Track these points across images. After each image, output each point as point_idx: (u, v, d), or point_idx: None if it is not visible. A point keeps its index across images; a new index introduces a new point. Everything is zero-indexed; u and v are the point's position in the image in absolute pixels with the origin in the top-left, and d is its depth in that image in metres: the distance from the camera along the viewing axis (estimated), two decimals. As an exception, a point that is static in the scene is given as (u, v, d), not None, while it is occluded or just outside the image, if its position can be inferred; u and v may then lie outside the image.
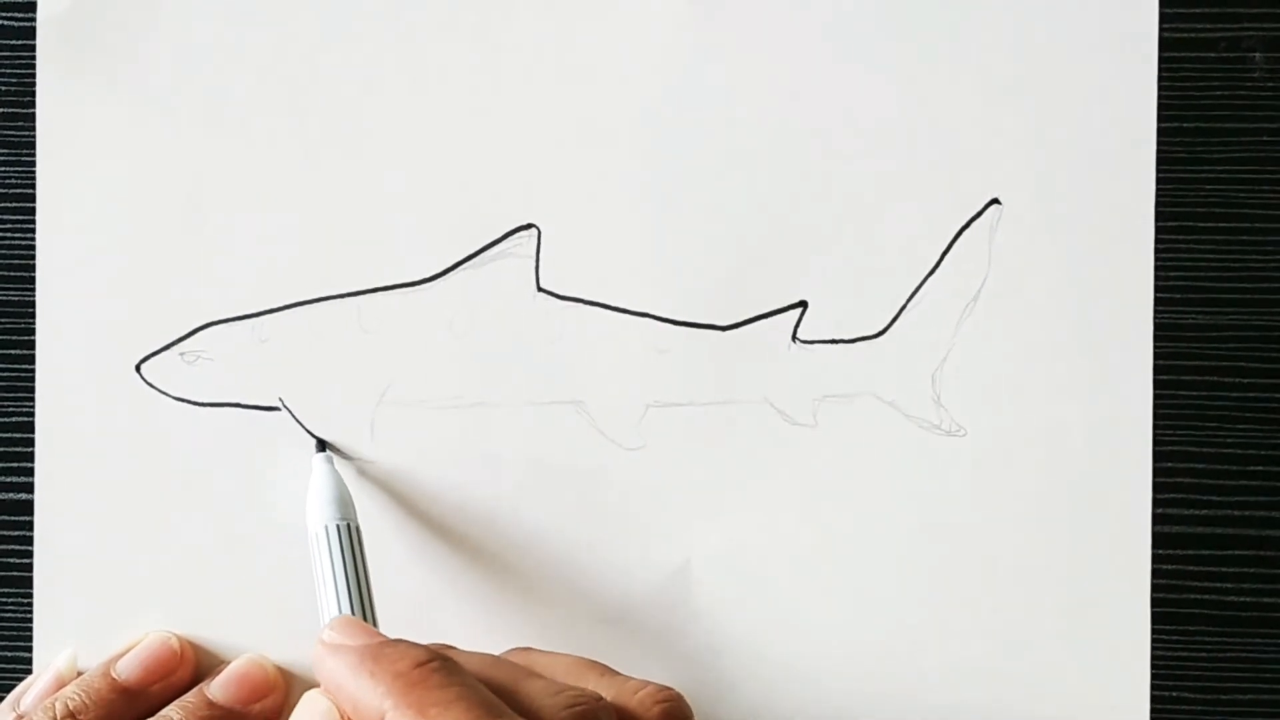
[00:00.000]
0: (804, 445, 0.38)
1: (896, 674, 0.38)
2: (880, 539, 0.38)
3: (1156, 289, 0.38)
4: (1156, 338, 0.38)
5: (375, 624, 0.35)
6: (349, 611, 0.35)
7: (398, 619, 0.36)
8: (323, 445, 0.38)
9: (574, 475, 0.38)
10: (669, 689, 0.33)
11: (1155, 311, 0.38)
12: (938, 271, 0.38)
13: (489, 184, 0.39)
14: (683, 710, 0.33)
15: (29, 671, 0.39)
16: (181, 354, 0.39)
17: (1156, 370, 0.38)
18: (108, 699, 0.37)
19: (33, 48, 0.39)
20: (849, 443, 0.38)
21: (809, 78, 0.38)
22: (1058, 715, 0.38)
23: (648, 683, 0.33)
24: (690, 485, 0.38)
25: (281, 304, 0.39)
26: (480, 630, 0.38)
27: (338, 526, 0.36)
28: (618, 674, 0.34)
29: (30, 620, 0.39)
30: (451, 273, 0.39)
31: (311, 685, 0.38)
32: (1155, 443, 0.38)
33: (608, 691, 0.32)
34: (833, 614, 0.38)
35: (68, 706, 0.36)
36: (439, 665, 0.30)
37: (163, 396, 0.39)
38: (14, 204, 0.40)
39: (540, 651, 0.36)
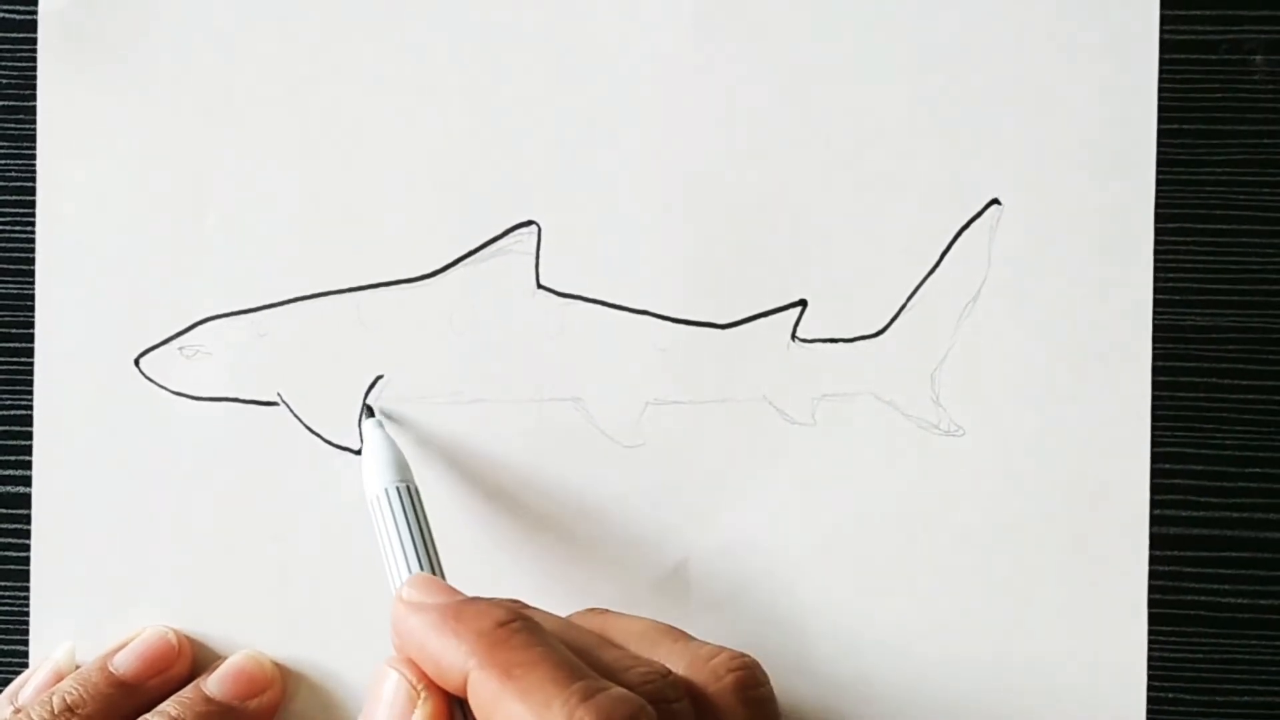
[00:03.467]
0: (803, 444, 0.38)
1: (893, 673, 0.38)
2: (878, 538, 0.38)
3: (1156, 290, 0.38)
4: (1156, 339, 0.38)
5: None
6: (421, 571, 0.34)
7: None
8: (370, 411, 0.38)
9: (573, 472, 0.38)
10: (744, 655, 0.32)
11: (1155, 313, 0.38)
12: (937, 271, 0.38)
13: (489, 180, 0.39)
14: (756, 678, 0.32)
15: (26, 665, 0.39)
16: (180, 348, 0.39)
17: (1155, 371, 0.38)
18: (105, 693, 0.37)
19: (34, 41, 0.39)
20: (848, 442, 0.38)
21: (809, 77, 0.38)
22: (1054, 715, 0.38)
23: (721, 649, 0.32)
24: (689, 483, 0.38)
25: (281, 299, 0.39)
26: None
27: (398, 489, 0.35)
28: (692, 639, 0.33)
29: (27, 613, 0.39)
30: (451, 269, 0.39)
31: (314, 680, 0.39)
32: (1153, 444, 0.38)
33: (680, 659, 0.32)
34: (830, 612, 0.38)
35: (65, 700, 0.36)
36: (521, 625, 0.30)
37: (161, 391, 0.39)
38: (14, 197, 0.40)
39: (615, 614, 0.36)
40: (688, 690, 0.31)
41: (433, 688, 0.30)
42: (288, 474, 0.39)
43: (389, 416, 0.38)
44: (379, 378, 0.39)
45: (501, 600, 0.32)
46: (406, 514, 0.35)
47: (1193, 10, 0.39)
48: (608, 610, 0.36)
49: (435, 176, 0.39)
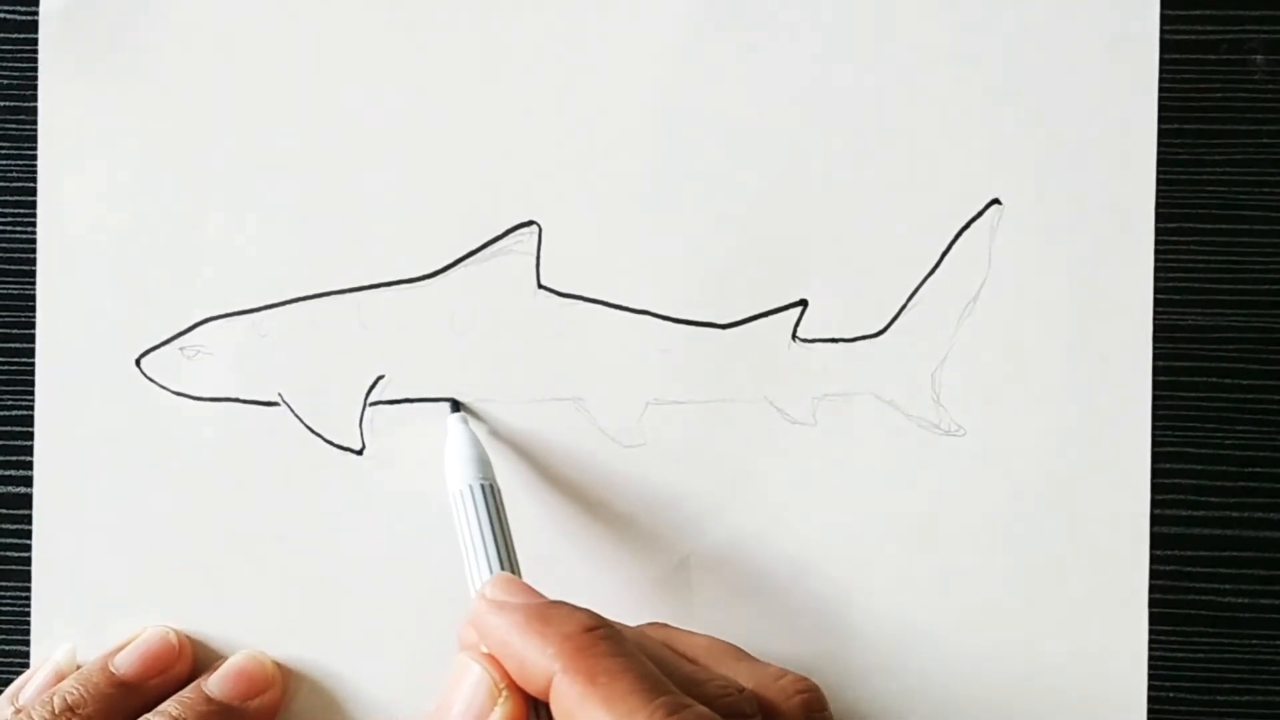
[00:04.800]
0: (803, 444, 0.38)
1: (894, 672, 0.38)
2: (878, 538, 0.38)
3: (1156, 290, 0.38)
4: (1156, 339, 0.38)
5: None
6: (500, 570, 0.34)
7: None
8: (457, 406, 0.38)
9: (573, 472, 0.38)
10: (807, 679, 0.33)
11: (1155, 313, 0.38)
12: (938, 271, 0.38)
13: (490, 181, 0.39)
14: (820, 701, 0.33)
15: (27, 665, 0.39)
16: (181, 349, 0.39)
17: (1156, 371, 0.38)
18: (106, 693, 0.37)
19: (35, 41, 0.39)
20: (848, 442, 0.38)
21: (810, 77, 0.38)
22: (1055, 715, 0.38)
23: (786, 671, 0.33)
24: (689, 483, 0.38)
25: (282, 299, 0.39)
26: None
27: (481, 486, 0.35)
28: (755, 659, 0.34)
29: (28, 614, 0.39)
30: (452, 269, 0.39)
31: (309, 682, 0.38)
32: (1154, 443, 0.38)
33: (748, 677, 0.32)
34: (830, 612, 0.38)
35: (66, 700, 0.36)
36: (606, 633, 0.30)
37: (162, 391, 0.39)
38: (15, 197, 0.40)
39: (679, 630, 0.36)
40: (760, 707, 0.31)
41: (514, 687, 0.30)
42: (288, 474, 0.39)
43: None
44: (380, 378, 0.39)
45: (584, 608, 0.31)
46: (489, 512, 0.35)
47: (1193, 10, 0.39)
48: (668, 625, 0.36)
49: (436, 176, 0.39)
